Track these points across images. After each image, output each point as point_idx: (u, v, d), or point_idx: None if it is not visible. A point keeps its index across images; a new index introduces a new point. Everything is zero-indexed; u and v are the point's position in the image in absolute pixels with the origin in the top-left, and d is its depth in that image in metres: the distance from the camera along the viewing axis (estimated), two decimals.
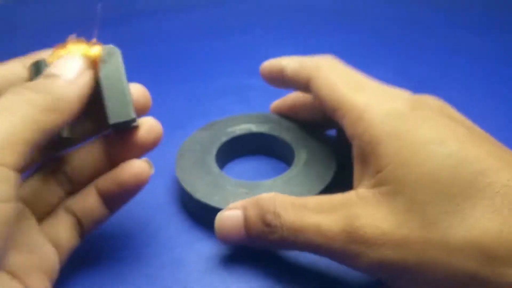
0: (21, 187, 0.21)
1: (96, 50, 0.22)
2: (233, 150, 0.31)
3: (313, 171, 0.27)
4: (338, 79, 0.25)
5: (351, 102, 0.23)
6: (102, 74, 0.22)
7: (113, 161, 0.23)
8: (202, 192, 0.26)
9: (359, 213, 0.20)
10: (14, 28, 0.59)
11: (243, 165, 0.32)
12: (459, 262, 0.17)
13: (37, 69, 0.21)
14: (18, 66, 0.22)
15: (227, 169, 0.31)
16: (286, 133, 0.30)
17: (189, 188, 0.26)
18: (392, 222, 0.19)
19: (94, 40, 0.23)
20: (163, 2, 0.64)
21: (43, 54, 0.23)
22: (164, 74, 0.46)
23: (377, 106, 0.22)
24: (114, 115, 0.21)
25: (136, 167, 0.22)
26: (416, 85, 0.42)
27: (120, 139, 0.23)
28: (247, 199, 0.23)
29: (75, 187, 0.23)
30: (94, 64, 0.22)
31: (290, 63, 0.28)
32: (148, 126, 0.23)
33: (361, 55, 0.48)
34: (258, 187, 0.26)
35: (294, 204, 0.22)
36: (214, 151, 0.29)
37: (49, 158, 0.23)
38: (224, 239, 0.23)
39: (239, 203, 0.23)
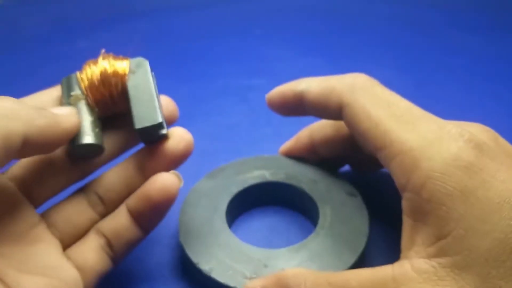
0: (51, 211, 0.21)
1: (124, 64, 0.22)
2: (246, 203, 0.27)
3: (342, 234, 0.23)
4: (381, 109, 0.20)
5: (401, 142, 0.19)
6: (130, 84, 0.22)
7: (146, 178, 0.21)
8: (212, 266, 0.22)
9: None
10: (14, 28, 0.58)
11: (257, 221, 0.28)
12: None
13: (68, 84, 0.22)
14: (46, 96, 0.23)
15: (239, 225, 0.27)
16: (306, 181, 0.26)
17: (196, 260, 0.23)
18: None
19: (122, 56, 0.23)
20: (163, 2, 0.64)
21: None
22: (164, 74, 0.45)
23: (435, 152, 0.18)
24: (140, 121, 0.21)
25: (163, 180, 0.21)
26: (416, 85, 0.42)
27: (150, 152, 0.22)
28: (268, 277, 0.20)
29: (108, 208, 0.22)
30: (123, 76, 0.22)
31: (312, 86, 0.23)
32: (177, 135, 0.22)
33: (361, 55, 0.48)
34: (277, 257, 0.22)
35: (331, 285, 0.18)
36: (223, 207, 0.25)
37: (80, 179, 0.22)
38: None
39: (259, 282, 0.20)
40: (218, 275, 0.22)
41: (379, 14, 0.58)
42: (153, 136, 0.21)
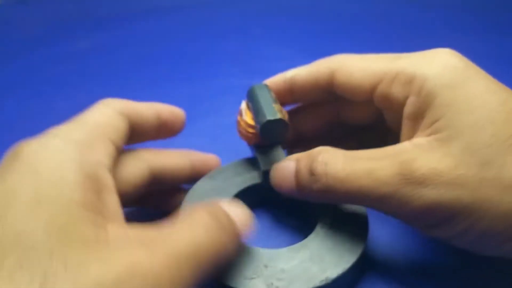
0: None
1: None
2: (245, 203, 0.26)
3: (342, 234, 0.23)
4: (367, 59, 0.24)
5: (395, 68, 0.22)
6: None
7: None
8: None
9: (415, 157, 0.20)
10: (15, 28, 0.59)
11: (257, 221, 0.27)
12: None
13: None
14: (150, 110, 0.25)
15: None
16: None
17: None
18: (449, 163, 0.19)
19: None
20: (163, 2, 0.64)
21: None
22: (164, 74, 0.46)
23: (429, 63, 0.22)
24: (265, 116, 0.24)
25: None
26: None
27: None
28: (302, 153, 0.23)
29: None
30: None
31: (300, 70, 0.27)
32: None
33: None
34: (277, 258, 0.22)
35: (345, 154, 0.22)
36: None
37: None
38: (278, 189, 0.24)
39: (295, 155, 0.23)
40: (218, 275, 0.21)
41: (379, 14, 0.58)
42: (275, 134, 0.25)
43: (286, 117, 0.26)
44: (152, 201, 0.27)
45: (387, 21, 0.56)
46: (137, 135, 0.24)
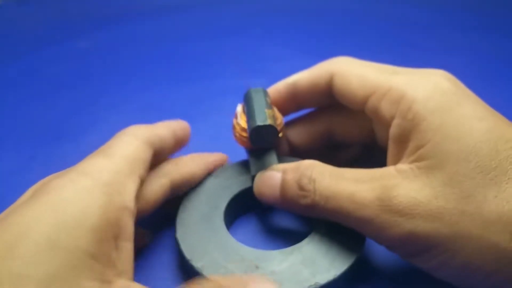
0: None
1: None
2: (246, 203, 0.27)
3: (337, 241, 0.23)
4: (366, 68, 0.24)
5: (389, 83, 0.22)
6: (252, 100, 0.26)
7: None
8: (204, 263, 0.22)
9: (396, 183, 0.19)
10: (15, 28, 0.59)
11: (257, 222, 0.28)
12: (492, 236, 0.17)
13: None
14: (169, 133, 0.25)
15: (238, 225, 0.27)
16: None
17: (190, 256, 0.23)
18: (429, 193, 0.19)
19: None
20: (163, 2, 0.64)
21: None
22: (164, 75, 0.46)
23: (419, 84, 0.21)
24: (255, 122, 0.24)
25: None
26: None
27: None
28: (290, 164, 0.23)
29: None
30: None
31: (302, 74, 0.27)
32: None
33: (361, 55, 0.48)
34: (269, 259, 0.22)
35: (331, 172, 0.22)
36: (223, 206, 0.25)
37: None
38: (261, 198, 0.24)
39: (281, 166, 0.24)
40: (209, 273, 0.22)
41: (379, 14, 0.58)
42: (265, 140, 0.25)
43: (279, 122, 0.26)
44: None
45: (387, 21, 0.56)
46: (158, 159, 0.24)
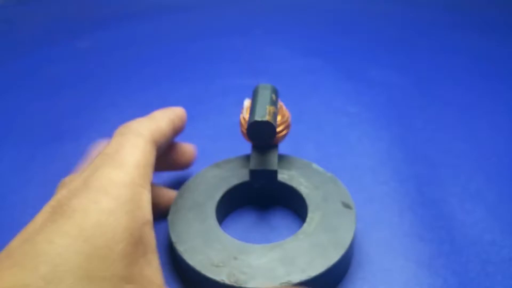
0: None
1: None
2: (243, 196, 0.27)
3: (320, 243, 0.23)
4: None
5: None
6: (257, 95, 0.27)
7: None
8: (187, 248, 0.23)
9: None
10: (15, 29, 0.59)
11: (251, 215, 0.28)
12: None
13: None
14: (168, 124, 0.24)
15: (233, 217, 0.28)
16: (307, 185, 0.26)
17: (175, 239, 0.23)
18: None
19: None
20: (163, 2, 0.64)
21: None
22: (165, 74, 0.46)
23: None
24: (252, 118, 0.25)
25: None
26: (416, 85, 0.42)
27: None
28: None
29: None
30: None
31: None
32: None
33: (361, 55, 0.48)
34: (249, 252, 0.22)
35: None
36: (218, 196, 0.26)
37: None
38: None
39: None
40: (189, 257, 0.22)
41: (379, 14, 0.58)
42: (262, 135, 0.25)
43: (284, 120, 0.26)
44: None
45: (388, 20, 0.56)
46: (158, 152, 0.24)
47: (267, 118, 0.24)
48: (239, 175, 0.27)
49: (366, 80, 0.43)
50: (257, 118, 0.24)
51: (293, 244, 0.23)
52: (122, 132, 0.22)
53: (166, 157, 0.27)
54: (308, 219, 0.24)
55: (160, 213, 0.26)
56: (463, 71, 0.44)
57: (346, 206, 0.24)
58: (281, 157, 0.28)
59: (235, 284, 0.21)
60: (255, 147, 0.27)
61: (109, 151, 0.21)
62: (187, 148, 0.29)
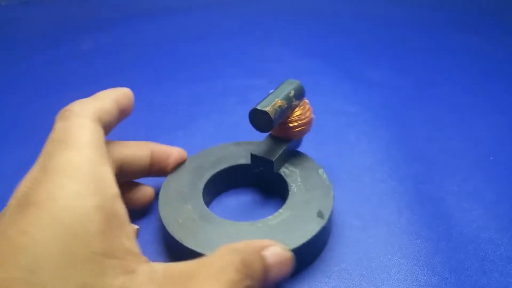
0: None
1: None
2: (230, 180, 0.29)
3: (297, 222, 0.24)
4: None
5: None
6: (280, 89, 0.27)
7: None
8: (180, 231, 0.24)
9: None
10: (18, 30, 0.59)
11: (237, 198, 0.29)
12: None
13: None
14: (111, 102, 0.24)
15: (221, 199, 0.29)
16: (295, 181, 0.27)
17: (168, 225, 0.25)
18: None
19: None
20: (164, 3, 0.64)
21: None
22: (166, 75, 0.46)
23: None
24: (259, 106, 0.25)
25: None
26: (416, 85, 0.42)
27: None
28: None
29: None
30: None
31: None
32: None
33: (360, 55, 0.48)
34: (240, 230, 0.24)
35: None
36: (202, 183, 0.27)
37: None
38: None
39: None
40: (184, 240, 0.23)
41: (378, 15, 0.58)
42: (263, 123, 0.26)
43: (303, 117, 0.27)
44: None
45: (386, 22, 0.56)
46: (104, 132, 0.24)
47: (267, 108, 0.25)
48: (226, 160, 0.29)
49: (365, 80, 0.43)
50: (258, 106, 0.25)
51: (274, 221, 0.24)
52: (65, 116, 0.21)
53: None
54: (276, 214, 0.25)
55: (138, 208, 0.28)
56: (460, 72, 0.44)
57: (320, 215, 0.25)
58: (298, 154, 0.29)
59: None
60: (270, 136, 0.28)
61: (57, 136, 0.20)
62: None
